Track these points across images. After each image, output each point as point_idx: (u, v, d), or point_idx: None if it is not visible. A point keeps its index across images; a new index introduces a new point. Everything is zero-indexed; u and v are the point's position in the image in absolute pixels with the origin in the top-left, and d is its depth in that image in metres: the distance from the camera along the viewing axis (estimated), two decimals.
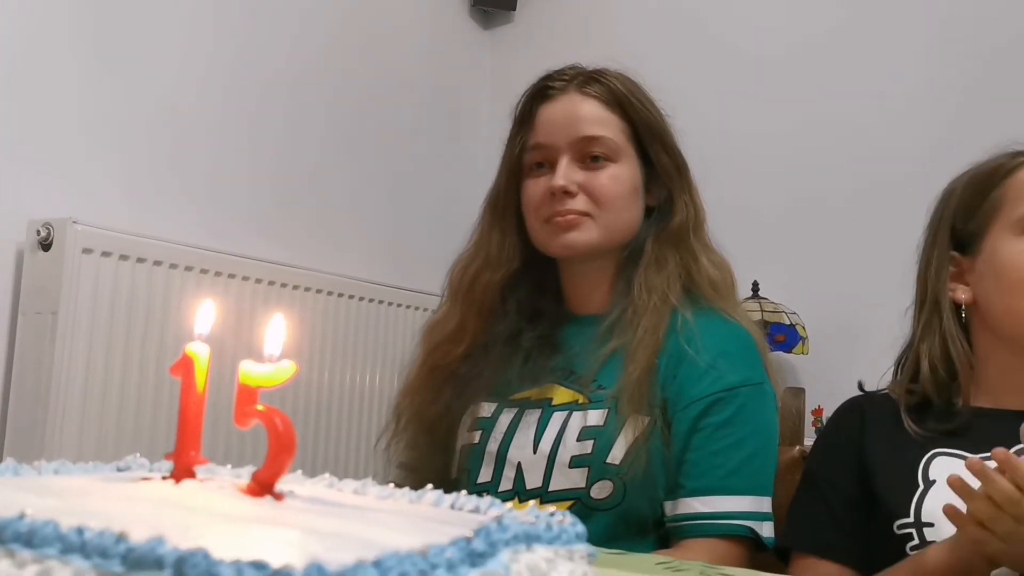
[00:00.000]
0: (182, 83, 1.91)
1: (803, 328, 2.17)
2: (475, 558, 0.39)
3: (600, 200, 1.16)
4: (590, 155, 1.17)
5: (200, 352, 0.52)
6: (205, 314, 0.53)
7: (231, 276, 1.87)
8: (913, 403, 1.03)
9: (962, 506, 0.83)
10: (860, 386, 1.13)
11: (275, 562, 0.34)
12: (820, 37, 2.41)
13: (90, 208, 1.67)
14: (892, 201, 2.14)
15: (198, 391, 0.51)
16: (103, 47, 1.76)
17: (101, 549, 0.36)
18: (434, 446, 1.23)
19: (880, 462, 1.02)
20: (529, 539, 0.44)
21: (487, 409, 1.19)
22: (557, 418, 1.12)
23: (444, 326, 1.24)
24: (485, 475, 1.16)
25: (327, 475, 0.58)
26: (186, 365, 0.51)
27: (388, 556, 0.36)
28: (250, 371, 0.50)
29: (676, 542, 1.06)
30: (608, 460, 1.07)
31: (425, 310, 2.24)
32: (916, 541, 0.94)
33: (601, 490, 1.07)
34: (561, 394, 1.15)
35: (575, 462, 1.09)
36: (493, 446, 1.16)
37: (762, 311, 2.13)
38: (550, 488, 1.10)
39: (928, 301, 1.06)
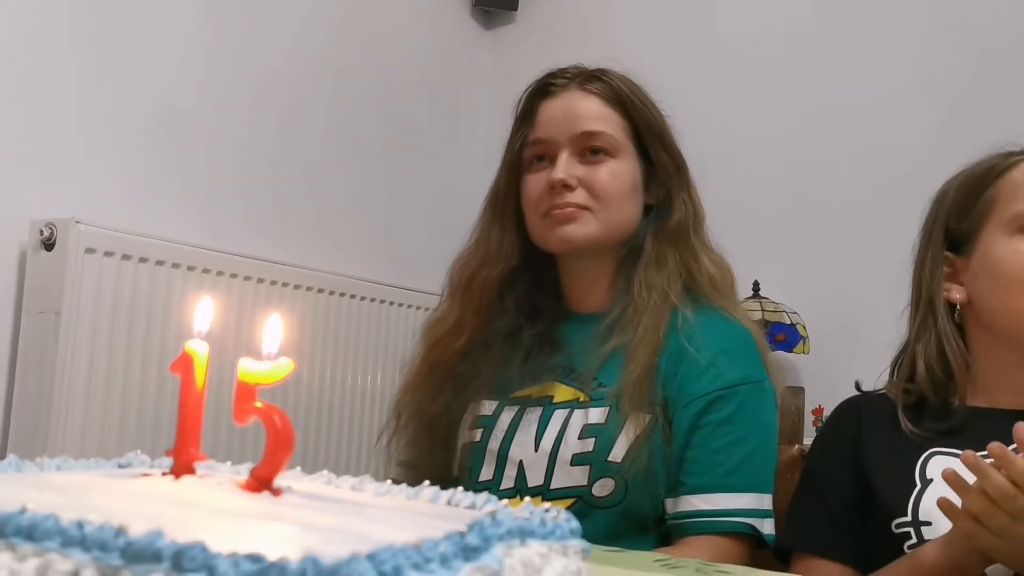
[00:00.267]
0: (183, 83, 1.92)
1: (803, 327, 2.17)
2: (468, 552, 0.40)
3: (599, 194, 1.16)
4: (590, 150, 1.18)
5: (199, 349, 0.52)
6: (204, 311, 0.53)
7: (232, 276, 1.88)
8: (910, 403, 1.04)
9: (957, 501, 0.84)
10: (857, 386, 1.14)
11: (271, 555, 0.34)
12: (821, 37, 2.41)
13: (93, 208, 1.68)
14: (893, 201, 2.14)
15: (197, 388, 0.52)
16: (104, 48, 1.77)
17: (101, 543, 0.37)
18: (435, 444, 1.23)
19: (877, 462, 1.02)
20: (523, 534, 0.45)
21: (488, 407, 1.20)
22: (558, 416, 1.13)
23: (443, 322, 1.25)
24: (487, 473, 1.16)
25: (325, 472, 0.59)
26: (185, 362, 0.52)
27: (382, 549, 0.36)
28: (249, 369, 0.51)
29: (677, 540, 1.06)
30: (609, 458, 1.07)
31: (423, 309, 2.25)
32: (914, 540, 0.95)
33: (602, 488, 1.08)
34: (562, 392, 1.15)
35: (576, 460, 1.09)
36: (494, 444, 1.17)
37: (763, 310, 2.14)
38: (552, 486, 1.10)
39: (923, 301, 1.07)
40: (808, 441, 1.20)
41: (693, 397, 1.08)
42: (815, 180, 2.35)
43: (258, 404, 0.50)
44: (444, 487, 0.57)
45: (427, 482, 0.57)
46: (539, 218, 1.19)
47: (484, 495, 0.55)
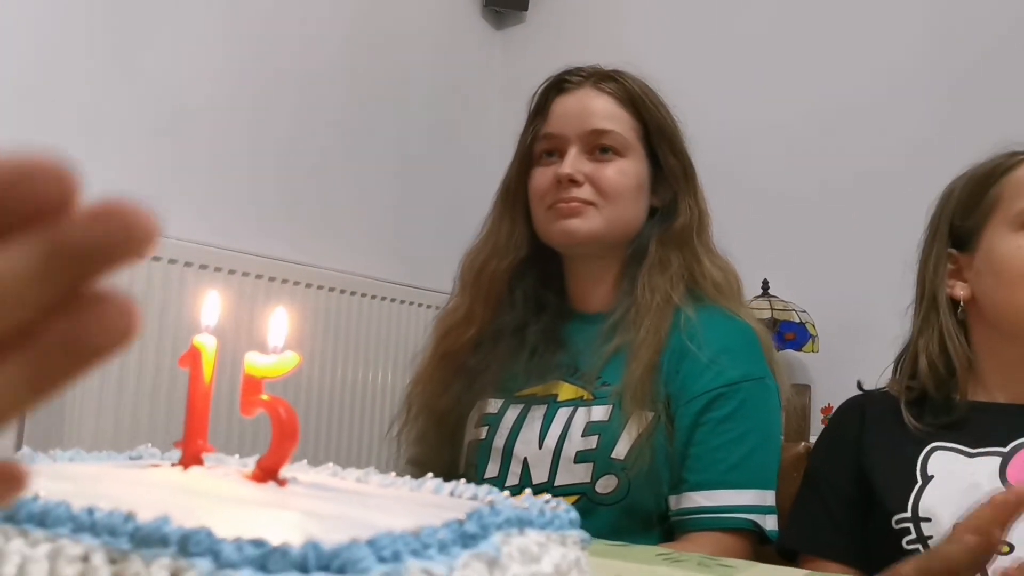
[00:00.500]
0: (191, 82, 1.94)
1: (813, 326, 2.17)
2: (467, 539, 0.41)
3: (605, 191, 1.17)
4: (599, 148, 1.19)
5: (207, 343, 0.53)
6: (211, 305, 0.54)
7: (244, 274, 1.90)
8: (912, 399, 1.04)
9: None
10: (859, 385, 1.14)
11: (274, 540, 0.36)
12: (828, 37, 2.41)
13: None
14: (902, 200, 2.13)
15: (205, 381, 0.53)
16: (114, 47, 1.79)
17: (110, 528, 0.38)
18: (442, 440, 1.25)
19: (879, 459, 1.02)
20: (521, 523, 0.46)
21: (494, 405, 1.21)
22: (562, 414, 1.14)
23: (454, 314, 1.26)
24: (492, 470, 1.18)
25: (330, 464, 0.60)
26: (194, 356, 0.53)
27: (382, 536, 0.37)
28: (255, 362, 0.52)
29: (680, 536, 1.07)
30: (613, 455, 1.08)
31: (432, 307, 2.27)
32: (913, 535, 0.95)
33: (606, 485, 1.09)
34: (566, 390, 1.16)
35: (580, 457, 1.10)
36: (499, 442, 1.18)
37: (772, 309, 2.14)
38: (556, 483, 1.11)
39: (926, 298, 1.07)
40: (815, 439, 1.21)
41: (695, 395, 1.09)
42: (825, 179, 2.35)
43: (264, 397, 0.51)
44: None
45: (430, 474, 0.58)
46: (544, 211, 1.20)
47: (486, 487, 0.56)
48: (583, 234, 1.17)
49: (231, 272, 1.87)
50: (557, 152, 1.21)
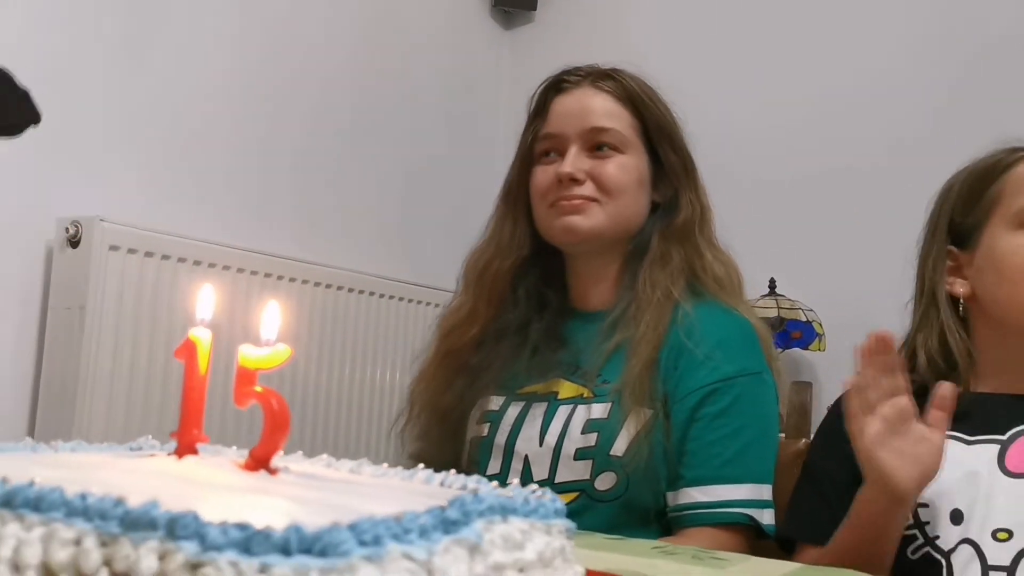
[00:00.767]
0: (206, 83, 1.96)
1: (820, 325, 2.17)
2: (448, 525, 0.42)
3: (607, 187, 1.18)
4: (598, 145, 1.20)
5: (202, 336, 0.55)
6: (205, 299, 0.56)
7: (253, 272, 1.91)
8: (912, 391, 1.04)
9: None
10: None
11: (258, 524, 0.37)
12: (832, 37, 2.41)
13: (117, 206, 1.72)
14: (909, 198, 2.13)
15: (200, 373, 0.54)
16: (130, 49, 1.81)
17: (101, 512, 0.39)
18: (445, 437, 1.26)
19: None
20: (505, 511, 0.47)
21: (495, 403, 1.22)
22: (562, 412, 1.15)
23: (458, 312, 1.27)
24: (494, 467, 1.19)
25: (325, 456, 0.61)
26: (189, 348, 0.54)
27: (363, 520, 0.38)
28: (248, 354, 0.53)
29: (678, 531, 1.08)
30: (612, 452, 1.09)
31: (439, 306, 2.27)
32: (911, 521, 0.96)
33: (605, 481, 1.10)
34: (566, 388, 1.17)
35: (580, 454, 1.11)
36: (501, 439, 1.19)
37: (779, 308, 2.14)
38: (556, 480, 1.12)
39: (925, 294, 1.07)
40: None
41: (690, 390, 1.10)
42: (832, 177, 2.35)
43: (257, 388, 0.53)
44: None
45: (421, 465, 0.59)
46: (546, 209, 1.21)
47: (476, 478, 0.57)
48: (586, 230, 1.18)
49: (239, 271, 1.88)
50: (557, 151, 1.22)
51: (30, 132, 1.65)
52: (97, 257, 1.63)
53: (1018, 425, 0.97)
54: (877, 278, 2.25)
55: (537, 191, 1.22)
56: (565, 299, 1.25)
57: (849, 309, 2.22)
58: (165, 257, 1.74)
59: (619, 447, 1.09)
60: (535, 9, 2.85)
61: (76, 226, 1.64)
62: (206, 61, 1.96)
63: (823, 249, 2.33)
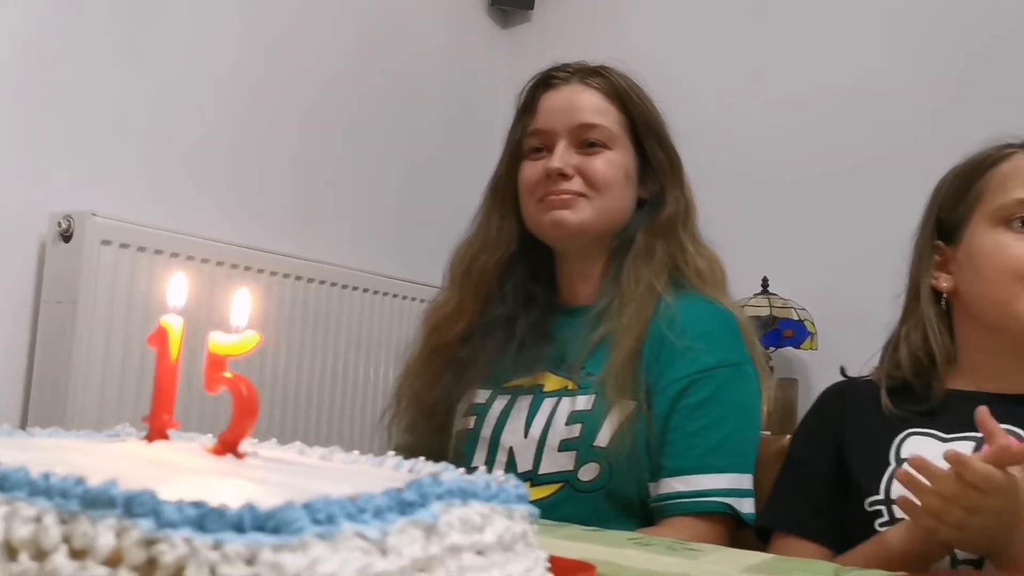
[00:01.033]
0: (203, 78, 1.96)
1: (812, 324, 2.18)
2: (404, 506, 0.42)
3: (594, 182, 1.19)
4: (587, 141, 1.21)
5: (173, 324, 0.55)
6: (177, 287, 0.56)
7: (247, 268, 1.92)
8: (894, 386, 1.05)
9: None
10: (843, 371, 1.15)
11: (213, 502, 0.37)
12: (831, 30, 2.41)
13: (110, 201, 1.73)
14: (904, 197, 2.13)
15: (171, 360, 0.55)
16: (125, 42, 1.82)
17: (62, 491, 0.40)
18: (431, 430, 1.27)
19: (856, 443, 1.04)
20: (465, 495, 0.47)
21: (482, 396, 1.23)
22: (547, 404, 1.16)
23: (444, 308, 1.28)
24: (479, 459, 1.19)
25: (297, 443, 0.62)
26: (161, 336, 0.55)
27: (318, 500, 0.39)
28: (218, 341, 0.54)
29: (659, 521, 1.09)
30: (595, 443, 1.10)
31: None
32: (885, 518, 0.96)
33: (588, 472, 1.10)
34: (552, 381, 1.18)
35: (564, 446, 1.12)
36: (487, 431, 1.20)
37: (771, 307, 2.14)
38: (540, 471, 1.13)
39: (911, 288, 1.08)
40: None
41: (670, 381, 1.11)
42: (826, 176, 2.35)
43: (227, 374, 0.53)
44: None
45: (391, 452, 0.60)
46: (534, 204, 1.22)
47: (445, 464, 0.58)
48: (574, 224, 1.19)
49: (233, 266, 1.89)
50: (546, 147, 1.23)
51: (24, 127, 1.67)
52: (89, 252, 1.64)
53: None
54: (870, 278, 2.25)
55: (525, 186, 1.23)
56: (552, 295, 1.26)
57: (841, 308, 2.22)
58: (157, 252, 1.75)
59: (603, 438, 1.10)
60: (532, 8, 2.85)
61: (69, 221, 1.65)
62: (201, 57, 1.96)
63: (816, 248, 2.33)
